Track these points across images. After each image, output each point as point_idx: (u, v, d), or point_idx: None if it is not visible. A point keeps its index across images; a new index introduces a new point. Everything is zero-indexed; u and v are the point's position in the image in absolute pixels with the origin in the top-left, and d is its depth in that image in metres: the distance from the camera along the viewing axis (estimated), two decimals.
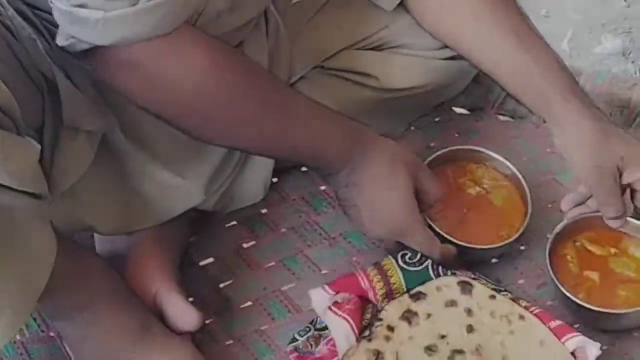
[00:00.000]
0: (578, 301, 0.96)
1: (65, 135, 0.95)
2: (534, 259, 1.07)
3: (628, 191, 1.01)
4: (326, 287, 0.96)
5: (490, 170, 1.10)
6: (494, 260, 1.06)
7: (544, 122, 1.15)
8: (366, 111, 1.12)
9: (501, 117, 1.26)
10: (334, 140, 0.98)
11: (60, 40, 0.89)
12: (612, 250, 1.01)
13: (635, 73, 1.76)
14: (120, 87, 0.92)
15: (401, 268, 0.98)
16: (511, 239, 1.04)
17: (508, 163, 1.09)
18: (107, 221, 1.04)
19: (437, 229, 1.02)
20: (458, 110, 1.26)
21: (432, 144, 1.21)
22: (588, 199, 1.03)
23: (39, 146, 0.87)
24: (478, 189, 1.08)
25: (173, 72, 0.90)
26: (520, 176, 1.08)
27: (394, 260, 0.98)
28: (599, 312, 0.96)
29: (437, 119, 1.25)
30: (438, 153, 1.09)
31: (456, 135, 1.23)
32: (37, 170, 0.87)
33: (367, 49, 1.11)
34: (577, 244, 1.02)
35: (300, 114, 0.97)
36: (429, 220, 1.02)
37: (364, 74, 1.11)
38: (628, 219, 1.01)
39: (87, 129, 0.97)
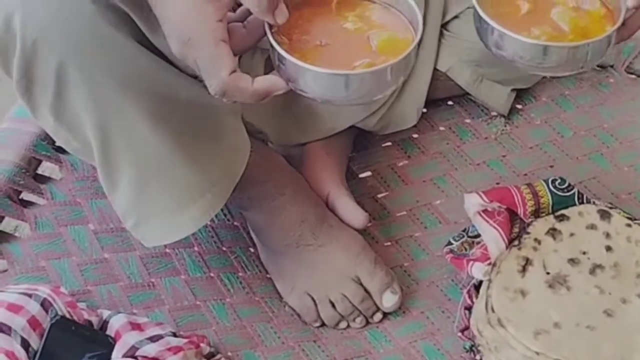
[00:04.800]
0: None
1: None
2: None
3: None
4: (481, 193, 1.08)
5: (392, 13, 0.90)
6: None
7: None
8: None
9: (630, 76, 1.38)
10: None
11: None
12: None
13: None
14: None
15: (551, 191, 1.10)
16: (361, 71, 0.83)
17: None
18: (279, 131, 1.18)
19: (273, 44, 0.83)
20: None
21: (566, 93, 1.33)
22: None
23: None
24: (360, 25, 0.89)
25: None
26: (418, 17, 0.87)
27: (544, 184, 1.11)
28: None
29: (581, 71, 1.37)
30: None
31: (589, 86, 1.34)
32: None
33: None
34: None
35: None
36: (267, 28, 0.84)
37: None
38: None
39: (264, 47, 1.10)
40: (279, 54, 0.83)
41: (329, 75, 0.82)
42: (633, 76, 1.36)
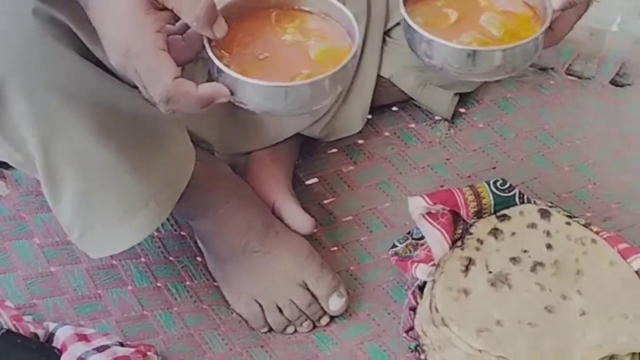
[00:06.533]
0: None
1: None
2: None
3: None
4: (425, 196, 1.10)
5: (330, 24, 0.90)
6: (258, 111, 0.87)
7: (610, 82, 1.31)
8: None
9: (569, 77, 1.40)
10: None
11: None
12: None
13: None
14: None
15: (492, 192, 1.12)
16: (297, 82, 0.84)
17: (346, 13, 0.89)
18: (224, 140, 1.19)
19: (211, 56, 0.83)
20: (531, 69, 1.41)
21: (508, 96, 1.36)
22: None
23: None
24: (298, 36, 0.89)
25: None
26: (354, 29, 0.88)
27: (486, 185, 1.13)
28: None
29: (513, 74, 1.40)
30: None
31: (529, 88, 1.37)
32: None
33: None
34: None
35: None
36: (205, 42, 0.84)
37: None
38: None
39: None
40: (217, 67, 0.83)
41: (267, 88, 0.83)
42: (573, 78, 1.40)
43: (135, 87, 0.90)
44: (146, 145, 1.00)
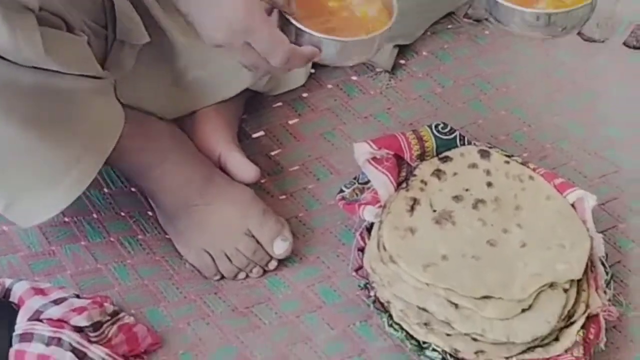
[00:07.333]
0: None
1: (115, 46, 1.10)
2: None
3: None
4: (370, 142, 1.13)
5: None
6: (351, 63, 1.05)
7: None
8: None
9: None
10: None
11: None
12: None
13: None
14: None
15: (434, 135, 1.16)
16: (376, 33, 1.00)
17: None
18: (170, 107, 1.20)
19: (295, 23, 0.98)
20: (467, 20, 1.45)
21: (445, 46, 1.40)
22: None
23: (84, 37, 1.02)
24: (341, 2, 1.04)
25: None
26: None
27: (428, 129, 1.16)
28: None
29: (449, 27, 1.43)
30: None
31: (466, 39, 1.42)
32: (86, 55, 1.02)
33: None
34: None
35: None
36: (287, 16, 0.99)
37: None
38: None
39: (134, 43, 1.12)
40: (305, 32, 0.98)
41: (348, 43, 0.99)
42: (470, 20, 1.43)
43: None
44: (58, 117, 1.01)
